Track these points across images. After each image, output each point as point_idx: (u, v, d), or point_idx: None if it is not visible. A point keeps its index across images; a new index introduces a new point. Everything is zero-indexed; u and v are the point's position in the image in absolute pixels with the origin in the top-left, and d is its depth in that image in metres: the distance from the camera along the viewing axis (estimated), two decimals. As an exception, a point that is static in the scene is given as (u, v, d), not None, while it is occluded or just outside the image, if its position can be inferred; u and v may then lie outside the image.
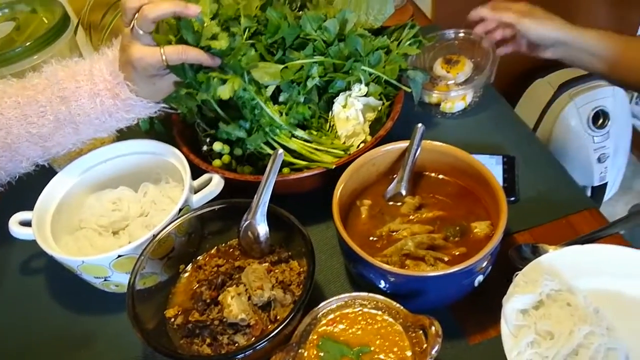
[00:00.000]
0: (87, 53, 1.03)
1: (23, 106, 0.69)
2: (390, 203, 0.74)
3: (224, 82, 0.70)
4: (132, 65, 0.65)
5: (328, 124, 0.85)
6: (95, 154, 0.83)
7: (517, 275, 0.64)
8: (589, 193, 1.79)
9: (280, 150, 0.71)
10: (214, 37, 0.67)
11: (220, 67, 0.71)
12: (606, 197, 1.87)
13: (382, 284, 0.63)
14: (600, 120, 1.63)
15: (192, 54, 0.66)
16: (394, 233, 0.70)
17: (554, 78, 1.67)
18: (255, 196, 0.69)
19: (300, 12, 0.90)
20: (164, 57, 0.65)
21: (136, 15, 0.62)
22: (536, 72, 1.75)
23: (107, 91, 0.68)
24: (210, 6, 0.69)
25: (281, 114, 0.77)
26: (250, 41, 0.78)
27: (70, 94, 0.68)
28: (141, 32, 0.63)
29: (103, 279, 0.72)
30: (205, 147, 0.82)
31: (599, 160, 1.69)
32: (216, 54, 0.68)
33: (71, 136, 0.71)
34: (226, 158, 0.80)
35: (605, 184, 1.77)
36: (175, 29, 0.69)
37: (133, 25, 0.63)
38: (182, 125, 0.85)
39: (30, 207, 0.76)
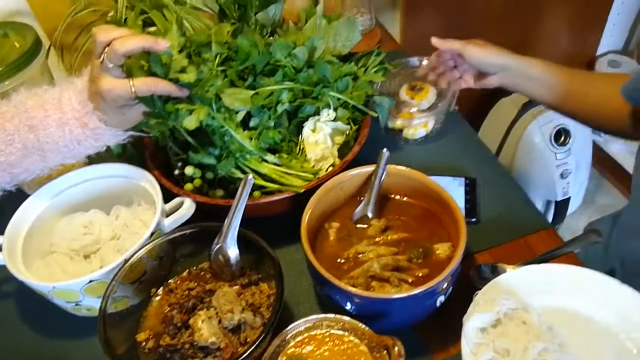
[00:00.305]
0: (59, 76, 1.04)
1: None
2: (358, 225, 0.77)
3: (192, 112, 0.72)
4: (102, 96, 0.67)
5: (298, 147, 0.87)
6: (66, 177, 0.84)
7: (477, 294, 0.67)
8: (552, 208, 1.86)
9: (250, 176, 0.73)
10: (182, 70, 0.69)
11: (189, 98, 0.73)
12: (570, 211, 1.95)
13: (349, 306, 0.65)
14: (562, 138, 1.70)
15: (161, 86, 0.68)
16: (361, 255, 0.73)
17: (518, 98, 1.74)
18: (226, 220, 0.71)
19: (271, 38, 0.93)
20: (133, 89, 0.67)
21: (106, 49, 0.64)
22: (501, 91, 1.81)
23: (76, 120, 0.69)
24: (178, 40, 0.71)
25: (251, 139, 0.79)
26: (222, 68, 0.81)
27: (38, 122, 0.69)
28: (111, 65, 0.65)
29: (74, 304, 0.72)
30: (177, 171, 0.84)
31: (562, 176, 1.76)
32: (184, 86, 0.71)
33: (39, 163, 0.72)
34: (198, 182, 0.82)
35: (569, 198, 1.84)
36: (146, 56, 0.71)
37: (103, 58, 0.65)
38: (154, 149, 0.86)
39: (0, 231, 0.76)
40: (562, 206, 1.86)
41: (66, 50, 1.15)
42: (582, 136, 1.75)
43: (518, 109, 1.72)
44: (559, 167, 1.74)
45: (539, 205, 1.89)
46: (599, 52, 1.98)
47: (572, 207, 1.98)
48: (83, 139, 0.70)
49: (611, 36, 1.93)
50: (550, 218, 1.91)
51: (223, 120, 0.75)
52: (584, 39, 1.92)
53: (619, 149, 2.07)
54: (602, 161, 2.14)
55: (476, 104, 1.83)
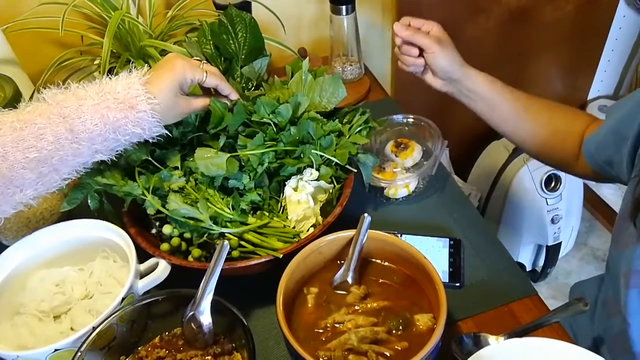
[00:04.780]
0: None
1: (20, 130, 0.64)
2: (337, 291, 0.75)
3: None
4: (174, 67, 0.71)
5: (279, 204, 0.86)
6: (41, 232, 0.82)
7: (457, 371, 0.65)
8: (543, 252, 1.85)
9: (226, 242, 0.71)
10: None
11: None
12: (562, 253, 1.93)
13: (323, 383, 0.63)
14: (553, 184, 1.70)
15: (223, 85, 0.78)
16: (339, 325, 0.70)
17: (508, 142, 1.74)
18: (200, 287, 0.69)
19: (256, 92, 0.93)
20: (205, 75, 0.75)
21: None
22: (493, 134, 1.81)
23: (118, 104, 0.66)
24: None
25: (230, 207, 0.78)
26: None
27: (72, 111, 0.65)
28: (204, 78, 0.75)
29: (40, 371, 0.69)
30: (154, 230, 0.82)
31: (553, 221, 1.74)
32: None
33: (70, 160, 0.67)
34: (175, 240, 0.80)
35: (560, 243, 1.83)
36: None
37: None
38: (132, 205, 0.84)
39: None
40: (553, 251, 1.84)
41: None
42: (572, 182, 1.75)
43: (509, 153, 1.72)
44: (550, 213, 1.73)
45: (530, 250, 1.87)
46: (589, 97, 1.99)
47: (564, 249, 1.96)
48: (122, 124, 0.67)
49: (602, 81, 1.95)
50: (541, 262, 1.90)
51: (194, 188, 0.75)
52: (574, 84, 1.93)
53: (611, 193, 2.07)
54: (593, 203, 2.14)
55: (466, 148, 1.82)
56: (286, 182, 0.84)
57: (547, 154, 0.89)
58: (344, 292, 0.74)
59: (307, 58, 0.94)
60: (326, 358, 0.66)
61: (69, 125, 0.65)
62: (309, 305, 0.74)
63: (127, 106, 0.67)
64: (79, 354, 0.65)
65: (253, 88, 0.95)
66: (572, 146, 0.85)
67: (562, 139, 0.86)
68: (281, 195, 0.85)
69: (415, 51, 0.87)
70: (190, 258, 0.79)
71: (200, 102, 0.77)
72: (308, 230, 0.82)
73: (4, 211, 0.67)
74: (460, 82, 0.87)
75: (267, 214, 0.84)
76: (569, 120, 0.87)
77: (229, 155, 0.77)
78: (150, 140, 0.72)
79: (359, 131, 0.87)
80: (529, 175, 1.67)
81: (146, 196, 0.77)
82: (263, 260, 0.75)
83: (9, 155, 0.63)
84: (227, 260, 0.72)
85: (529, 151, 0.92)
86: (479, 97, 0.87)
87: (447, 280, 0.83)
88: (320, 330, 0.70)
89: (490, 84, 0.87)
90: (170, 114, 0.72)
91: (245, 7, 1.11)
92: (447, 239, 0.88)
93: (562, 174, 1.68)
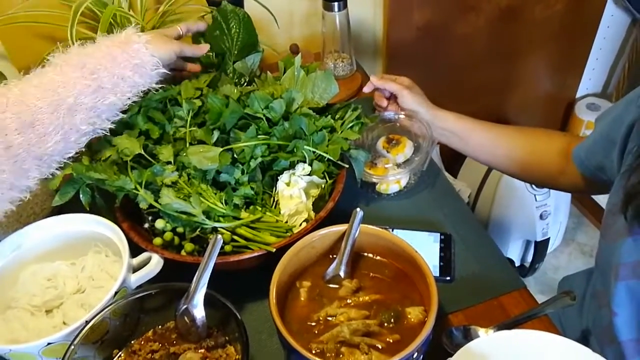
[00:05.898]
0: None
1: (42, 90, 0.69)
2: (329, 285, 0.76)
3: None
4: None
5: (272, 199, 0.86)
6: (32, 227, 0.82)
7: (448, 363, 0.66)
8: (532, 248, 1.87)
9: (219, 236, 0.72)
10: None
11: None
12: (550, 248, 1.96)
13: (316, 375, 0.63)
14: (541, 180, 1.71)
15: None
16: (331, 318, 0.71)
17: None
18: (193, 280, 0.69)
19: (248, 87, 0.93)
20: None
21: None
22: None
23: (115, 42, 0.75)
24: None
25: (223, 201, 0.78)
26: (195, 122, 0.80)
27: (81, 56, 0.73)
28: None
29: (32, 365, 0.69)
30: (147, 224, 0.82)
31: (541, 217, 1.76)
32: None
33: (84, 101, 0.71)
34: (168, 235, 0.80)
35: (548, 238, 1.85)
36: None
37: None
38: (124, 200, 0.84)
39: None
40: (541, 246, 1.87)
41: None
42: (561, 178, 1.77)
43: (498, 151, 1.73)
44: (539, 209, 1.75)
45: (519, 246, 1.90)
46: (578, 95, 2.01)
47: (552, 245, 1.99)
48: (123, 59, 0.74)
49: (590, 79, 1.97)
50: (530, 258, 1.92)
51: (187, 183, 0.75)
52: (563, 82, 1.95)
53: (598, 189, 2.09)
54: (581, 200, 2.17)
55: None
56: (279, 177, 0.85)
57: (528, 174, 0.95)
58: (336, 286, 0.75)
59: (300, 54, 0.94)
60: (319, 350, 0.67)
61: (82, 61, 0.72)
62: (302, 298, 0.74)
63: (124, 42, 0.76)
64: (72, 347, 0.65)
65: (246, 84, 0.95)
66: (553, 162, 0.90)
67: (540, 157, 0.91)
68: (274, 190, 0.86)
69: (385, 102, 1.01)
70: (183, 252, 0.80)
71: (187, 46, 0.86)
72: (300, 224, 0.83)
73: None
74: (431, 123, 0.96)
75: (259, 208, 0.84)
76: (544, 140, 0.92)
77: (222, 149, 0.77)
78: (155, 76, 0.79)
79: (351, 127, 0.88)
80: (518, 171, 1.69)
81: (139, 191, 0.77)
82: (256, 254, 0.75)
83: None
84: (220, 254, 0.73)
85: (511, 174, 0.98)
86: (451, 133, 0.96)
87: (438, 274, 0.84)
88: (313, 323, 0.71)
89: (460, 119, 0.96)
90: (162, 47, 0.80)
91: (238, 2, 1.11)
92: (438, 234, 0.89)
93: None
